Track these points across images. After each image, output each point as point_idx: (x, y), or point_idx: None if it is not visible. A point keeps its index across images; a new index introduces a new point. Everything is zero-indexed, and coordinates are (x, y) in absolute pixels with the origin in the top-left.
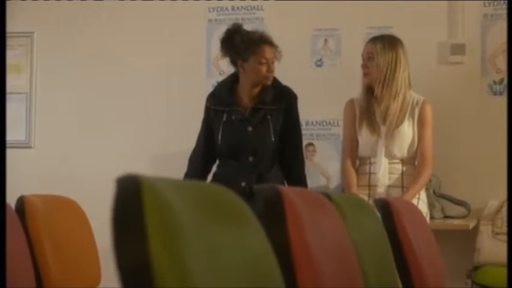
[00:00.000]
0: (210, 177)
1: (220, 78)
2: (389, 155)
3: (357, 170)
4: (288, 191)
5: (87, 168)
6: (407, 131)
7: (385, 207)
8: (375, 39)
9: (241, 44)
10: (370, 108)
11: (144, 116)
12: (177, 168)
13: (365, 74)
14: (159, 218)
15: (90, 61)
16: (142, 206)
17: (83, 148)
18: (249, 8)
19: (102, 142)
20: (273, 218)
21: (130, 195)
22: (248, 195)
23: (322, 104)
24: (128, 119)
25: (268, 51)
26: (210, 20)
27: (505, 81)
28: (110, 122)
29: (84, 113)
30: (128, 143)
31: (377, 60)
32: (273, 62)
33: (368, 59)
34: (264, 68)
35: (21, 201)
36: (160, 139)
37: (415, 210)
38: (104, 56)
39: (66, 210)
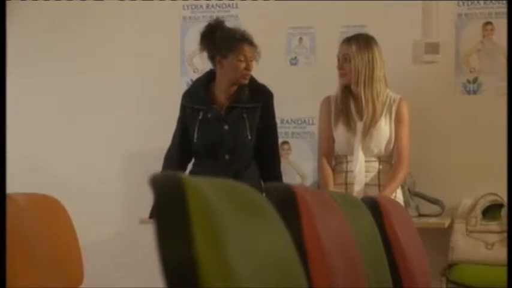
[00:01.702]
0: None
1: (195, 76)
2: (367, 152)
3: (333, 169)
4: (300, 189)
5: (61, 166)
6: (384, 128)
7: (374, 206)
8: (349, 40)
9: (222, 39)
10: (346, 106)
11: (118, 113)
12: (151, 166)
13: (342, 75)
14: (204, 217)
15: (63, 59)
16: (187, 205)
17: (56, 146)
18: (224, 5)
19: (75, 140)
20: (287, 217)
21: (174, 195)
22: None
23: (297, 102)
24: (102, 117)
25: (247, 50)
26: (184, 18)
27: (479, 81)
28: (83, 120)
29: (57, 111)
30: (102, 141)
31: (354, 62)
32: (251, 61)
33: (344, 60)
34: (242, 66)
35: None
36: (134, 137)
37: (401, 208)
38: (77, 54)
39: (50, 208)
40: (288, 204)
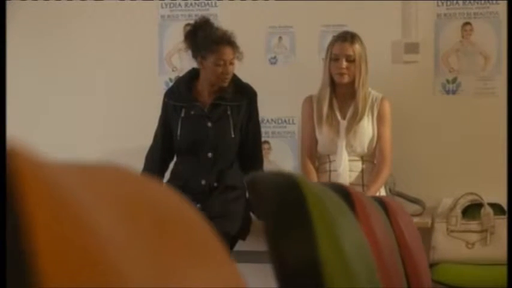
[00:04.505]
0: (167, 175)
1: (173, 75)
2: (350, 150)
3: (316, 170)
4: (353, 189)
5: None
6: (367, 127)
7: (382, 206)
8: (348, 38)
9: (202, 40)
10: (330, 104)
11: (96, 112)
12: (131, 165)
13: (343, 74)
14: (322, 218)
15: (43, 59)
16: (307, 205)
17: (36, 143)
18: (203, 4)
19: (53, 138)
20: None
21: (294, 195)
22: (208, 193)
23: (277, 102)
24: (80, 116)
25: (227, 52)
26: (162, 16)
27: (458, 81)
28: (61, 119)
29: (35, 109)
30: (79, 140)
31: (360, 61)
32: (231, 63)
33: (349, 61)
34: (219, 70)
35: None
36: (113, 136)
37: (403, 209)
38: (56, 53)
39: None
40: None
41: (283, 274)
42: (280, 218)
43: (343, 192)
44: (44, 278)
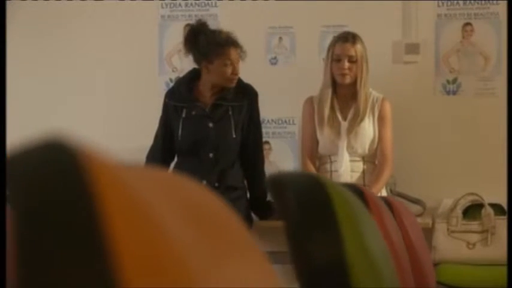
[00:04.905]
0: None
1: (173, 76)
2: (351, 151)
3: (317, 170)
4: (365, 188)
5: None
6: (368, 128)
7: (388, 206)
8: (350, 39)
9: (206, 44)
10: (332, 105)
11: (96, 112)
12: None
13: (345, 74)
14: (348, 217)
15: (43, 59)
16: (332, 205)
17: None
18: (203, 4)
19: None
20: None
21: (319, 195)
22: None
23: (277, 102)
24: (80, 116)
25: (233, 53)
26: (162, 16)
27: (458, 81)
28: (61, 119)
29: (35, 109)
30: (82, 139)
31: (362, 61)
32: (237, 63)
33: (351, 61)
34: (229, 70)
35: None
36: (112, 136)
37: (407, 208)
38: (56, 53)
39: None
40: None
41: (307, 275)
42: (305, 218)
43: (358, 191)
44: (125, 278)
